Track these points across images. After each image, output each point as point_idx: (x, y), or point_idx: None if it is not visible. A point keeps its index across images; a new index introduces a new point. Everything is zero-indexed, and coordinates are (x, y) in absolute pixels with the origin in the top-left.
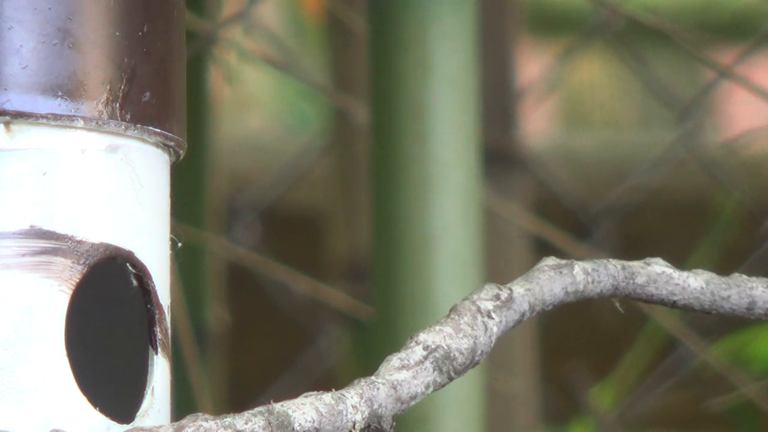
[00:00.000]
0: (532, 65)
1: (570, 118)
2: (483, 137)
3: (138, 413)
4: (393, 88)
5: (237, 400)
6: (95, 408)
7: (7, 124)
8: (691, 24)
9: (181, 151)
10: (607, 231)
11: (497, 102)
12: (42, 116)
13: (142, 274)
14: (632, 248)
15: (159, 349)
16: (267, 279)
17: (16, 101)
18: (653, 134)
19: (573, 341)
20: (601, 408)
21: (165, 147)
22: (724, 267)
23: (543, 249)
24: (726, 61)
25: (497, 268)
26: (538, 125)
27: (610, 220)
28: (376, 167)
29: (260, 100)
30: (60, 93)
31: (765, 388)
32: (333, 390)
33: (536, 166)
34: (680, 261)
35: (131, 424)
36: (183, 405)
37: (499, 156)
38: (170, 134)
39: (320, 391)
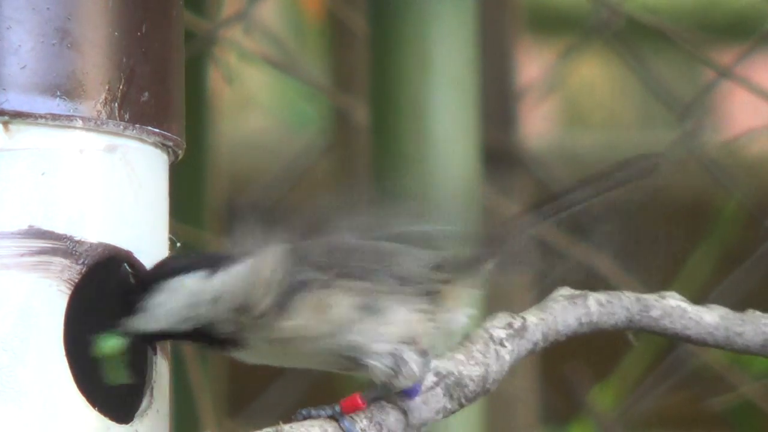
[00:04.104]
0: (532, 65)
1: (570, 118)
2: (483, 137)
3: (137, 413)
4: (393, 88)
5: (237, 401)
6: (94, 408)
7: (5, 124)
8: (691, 24)
9: (180, 151)
10: (606, 231)
11: (497, 102)
12: (41, 116)
13: None
14: (632, 248)
15: (158, 350)
16: None
17: (14, 101)
18: (653, 134)
19: (573, 341)
20: (601, 408)
21: (164, 147)
22: (724, 267)
23: (543, 249)
24: (726, 61)
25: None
26: (538, 125)
27: (610, 220)
28: (376, 167)
29: (260, 100)
30: (59, 93)
31: (765, 388)
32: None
33: (536, 166)
34: (680, 261)
35: (130, 424)
36: (183, 405)
37: (499, 156)
38: (169, 134)
39: (326, 407)
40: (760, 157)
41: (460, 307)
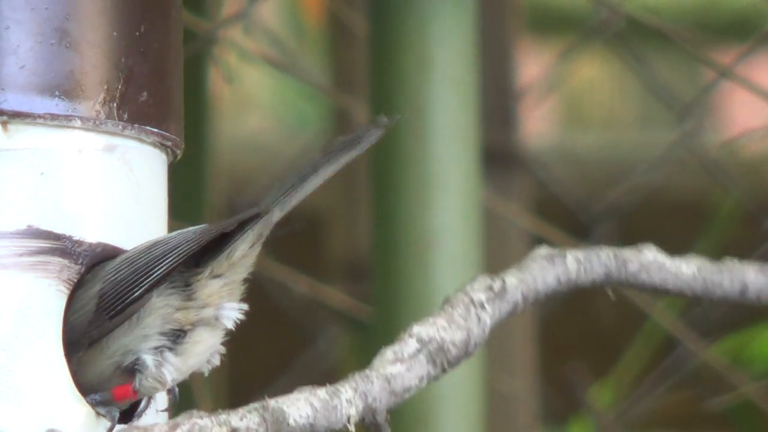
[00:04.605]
0: (532, 65)
1: (570, 118)
2: (483, 137)
3: (136, 413)
4: (393, 88)
5: (237, 400)
6: (93, 408)
7: (4, 123)
8: (691, 24)
9: (179, 151)
10: (606, 231)
11: (497, 102)
12: (39, 116)
13: None
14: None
15: None
16: (267, 279)
17: (13, 101)
18: (653, 134)
19: (573, 341)
20: (600, 407)
21: (162, 147)
22: None
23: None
24: (726, 61)
25: (497, 269)
26: (538, 125)
27: (609, 220)
28: (376, 167)
29: (260, 100)
30: (57, 93)
31: (765, 388)
32: (328, 386)
33: (536, 166)
34: None
35: (129, 423)
36: (183, 405)
37: (499, 156)
38: (168, 134)
39: (315, 386)
40: (760, 157)
41: (224, 301)
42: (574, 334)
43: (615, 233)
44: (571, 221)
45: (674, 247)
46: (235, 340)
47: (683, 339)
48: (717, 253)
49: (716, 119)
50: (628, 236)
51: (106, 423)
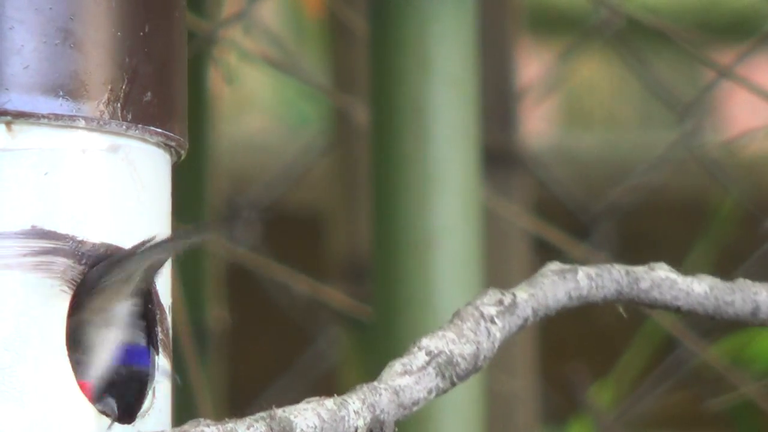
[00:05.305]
0: (532, 65)
1: (570, 118)
2: (483, 137)
3: (139, 413)
4: (393, 88)
5: (237, 401)
6: (96, 408)
7: (8, 124)
8: (691, 24)
9: (183, 151)
10: (606, 231)
11: (497, 102)
12: (43, 116)
13: None
14: (632, 248)
15: (160, 349)
16: (267, 279)
17: (17, 101)
18: (653, 134)
19: (573, 341)
20: (600, 407)
21: (166, 147)
22: (722, 266)
23: (543, 249)
24: (726, 61)
25: (497, 269)
26: (538, 125)
27: (610, 220)
28: (376, 167)
29: (260, 100)
30: (61, 93)
31: (765, 388)
32: (335, 394)
33: (536, 166)
34: (680, 261)
35: (132, 424)
36: (183, 405)
37: (499, 156)
38: (172, 134)
39: (322, 396)
40: (760, 157)
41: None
42: (574, 334)
43: (615, 233)
44: (571, 221)
45: (674, 246)
46: (235, 340)
47: (683, 339)
48: (716, 253)
49: (716, 119)
50: (628, 236)
51: (110, 423)
